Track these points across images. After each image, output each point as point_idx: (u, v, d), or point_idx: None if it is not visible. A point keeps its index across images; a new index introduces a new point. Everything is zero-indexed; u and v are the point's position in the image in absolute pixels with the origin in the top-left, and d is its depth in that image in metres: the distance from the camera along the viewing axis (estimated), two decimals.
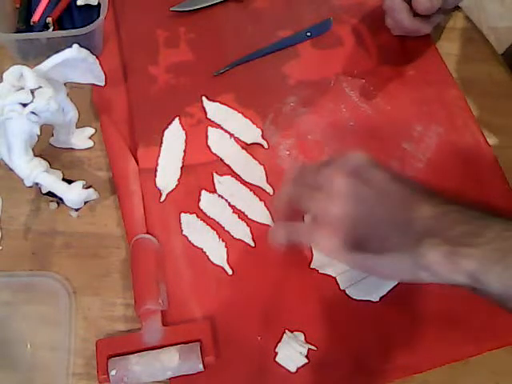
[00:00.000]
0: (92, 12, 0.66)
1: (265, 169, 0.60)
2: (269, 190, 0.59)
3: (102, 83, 0.58)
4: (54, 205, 0.58)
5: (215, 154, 0.61)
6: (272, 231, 0.52)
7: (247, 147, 0.61)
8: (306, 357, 0.51)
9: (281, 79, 0.66)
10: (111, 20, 0.70)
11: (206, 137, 0.62)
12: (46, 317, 0.53)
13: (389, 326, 0.52)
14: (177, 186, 0.59)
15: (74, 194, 0.53)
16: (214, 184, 0.59)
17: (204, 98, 0.64)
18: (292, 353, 0.51)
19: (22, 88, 0.51)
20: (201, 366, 0.49)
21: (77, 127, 0.60)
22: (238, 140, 0.62)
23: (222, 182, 0.59)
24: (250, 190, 0.59)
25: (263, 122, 0.63)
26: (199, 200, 0.58)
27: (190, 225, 0.57)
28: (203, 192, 0.59)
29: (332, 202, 0.44)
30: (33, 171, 0.52)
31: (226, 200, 0.58)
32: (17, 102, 0.50)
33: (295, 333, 0.52)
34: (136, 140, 0.62)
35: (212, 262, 0.55)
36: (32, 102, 0.50)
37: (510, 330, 0.52)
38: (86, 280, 0.55)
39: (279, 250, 0.55)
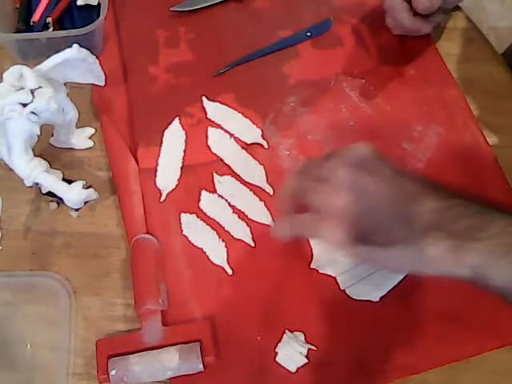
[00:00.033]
0: (92, 12, 0.66)
1: (265, 169, 0.60)
2: (269, 190, 0.59)
3: (102, 83, 0.58)
4: (53, 205, 0.58)
5: (215, 154, 0.61)
6: (275, 225, 0.52)
7: (247, 147, 0.61)
8: (306, 357, 0.51)
9: (281, 79, 0.66)
10: (111, 20, 0.70)
11: (206, 137, 0.62)
12: (45, 317, 0.53)
13: (389, 325, 0.52)
14: (177, 185, 0.59)
15: (74, 194, 0.53)
16: (214, 184, 0.59)
17: (204, 98, 0.64)
18: (292, 353, 0.51)
19: (22, 88, 0.51)
20: (201, 365, 0.49)
21: (77, 127, 0.60)
22: (237, 140, 0.62)
23: (222, 182, 0.59)
24: (250, 190, 0.59)
25: (263, 122, 0.63)
26: (199, 200, 0.58)
27: (190, 225, 0.57)
28: (203, 192, 0.59)
29: (336, 194, 0.44)
30: (33, 171, 0.52)
31: (226, 200, 0.58)
32: (17, 102, 0.50)
33: (295, 333, 0.52)
34: (136, 140, 0.62)
35: (212, 262, 0.55)
36: (32, 102, 0.50)
37: (510, 330, 0.52)
38: (86, 280, 0.55)
39: (280, 248, 0.55)
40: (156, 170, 0.60)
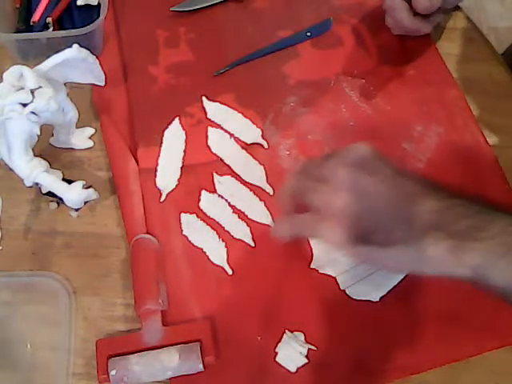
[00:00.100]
0: (92, 12, 0.66)
1: (265, 169, 0.60)
2: (269, 190, 0.59)
3: (102, 83, 0.58)
4: (53, 205, 0.58)
5: (215, 154, 0.61)
6: (275, 225, 0.51)
7: (247, 147, 0.61)
8: (306, 357, 0.51)
9: (281, 79, 0.66)
10: (111, 20, 0.70)
11: (206, 137, 0.62)
12: (46, 317, 0.53)
13: (389, 325, 0.52)
14: (177, 185, 0.59)
15: (74, 193, 0.53)
16: (214, 184, 0.59)
17: (204, 98, 0.64)
18: (292, 353, 0.51)
19: (22, 88, 0.51)
20: (201, 365, 0.49)
21: (77, 127, 0.60)
22: (238, 140, 0.62)
23: (222, 182, 0.59)
24: (250, 190, 0.59)
25: (263, 122, 0.63)
26: (199, 200, 0.58)
27: (190, 225, 0.57)
28: (203, 192, 0.59)
29: (336, 194, 0.44)
30: (33, 171, 0.52)
31: (226, 200, 0.58)
32: (17, 102, 0.50)
33: (295, 333, 0.52)
34: (136, 140, 0.62)
35: (212, 262, 0.55)
36: (32, 102, 0.50)
37: (510, 330, 0.52)
38: (85, 280, 0.55)
39: (280, 248, 0.55)
40: (156, 170, 0.60)
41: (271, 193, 0.59)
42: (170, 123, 0.63)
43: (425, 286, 0.54)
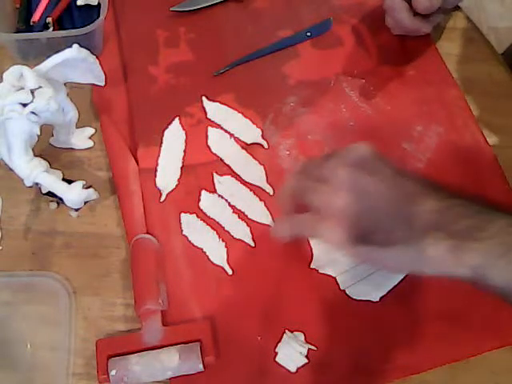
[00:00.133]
0: (92, 12, 0.66)
1: (265, 169, 0.60)
2: (269, 190, 0.59)
3: (102, 83, 0.58)
4: (53, 205, 0.58)
5: (215, 154, 0.61)
6: (275, 225, 0.51)
7: (247, 147, 0.61)
8: (306, 357, 0.51)
9: (281, 79, 0.66)
10: (111, 20, 0.70)
11: (206, 137, 0.62)
12: (46, 317, 0.53)
13: (389, 325, 0.52)
14: (177, 185, 0.59)
15: (74, 193, 0.53)
16: (214, 184, 0.59)
17: (204, 98, 0.64)
18: (292, 353, 0.51)
19: (22, 88, 0.51)
20: (201, 365, 0.49)
21: (77, 127, 0.60)
22: (238, 140, 0.62)
23: (222, 182, 0.59)
24: (250, 190, 0.59)
25: (263, 122, 0.63)
26: (199, 200, 0.58)
27: (190, 225, 0.57)
28: (203, 192, 0.59)
29: (336, 194, 0.44)
30: (33, 171, 0.52)
31: (226, 200, 0.58)
32: (17, 102, 0.50)
33: (295, 333, 0.52)
34: (136, 140, 0.62)
35: (212, 262, 0.55)
36: (32, 102, 0.50)
37: (510, 330, 0.52)
38: (86, 280, 0.55)
39: (280, 248, 0.55)
40: (156, 170, 0.60)
41: (271, 193, 0.59)
42: (170, 123, 0.63)
43: (425, 285, 0.54)
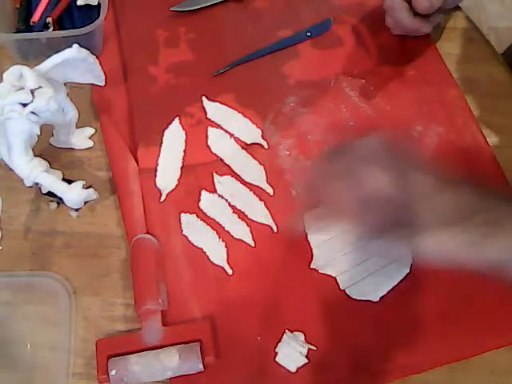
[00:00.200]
0: (92, 12, 0.66)
1: (265, 169, 0.60)
2: (269, 190, 0.59)
3: (102, 83, 0.58)
4: (53, 205, 0.58)
5: (215, 154, 0.61)
6: (289, 220, 0.51)
7: (247, 147, 0.61)
8: (306, 357, 0.51)
9: (281, 79, 0.66)
10: (111, 20, 0.70)
11: (206, 137, 0.62)
12: (46, 317, 0.53)
13: (389, 325, 0.52)
14: (177, 185, 0.59)
15: (74, 193, 0.53)
16: (214, 184, 0.59)
17: (204, 98, 0.64)
18: (292, 353, 0.51)
19: (22, 88, 0.51)
20: (201, 365, 0.49)
21: (77, 127, 0.60)
22: (237, 140, 0.62)
23: (222, 182, 0.59)
24: (250, 190, 0.59)
25: (263, 122, 0.63)
26: (199, 200, 0.58)
27: (190, 225, 0.57)
28: (203, 192, 0.59)
29: (350, 189, 0.44)
30: (33, 171, 0.52)
31: (226, 200, 0.58)
32: (17, 102, 0.50)
33: (295, 333, 0.52)
34: (136, 140, 0.62)
35: (212, 262, 0.55)
36: (32, 102, 0.50)
37: (510, 330, 0.52)
38: (86, 280, 0.55)
39: (280, 247, 0.55)
40: (156, 170, 0.60)
41: (271, 193, 0.59)
42: (170, 123, 0.63)
43: (425, 286, 0.54)
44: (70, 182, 0.54)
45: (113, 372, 0.49)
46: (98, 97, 0.64)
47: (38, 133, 0.53)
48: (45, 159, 0.53)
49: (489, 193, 0.42)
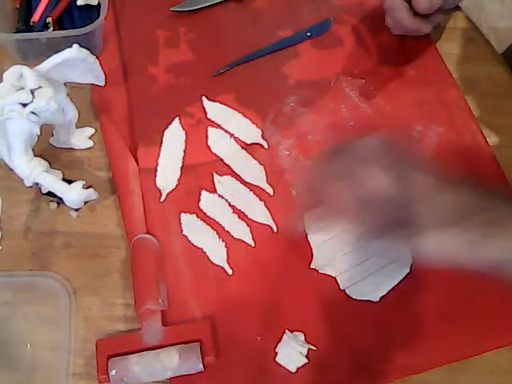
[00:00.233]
0: (92, 12, 0.66)
1: (265, 169, 0.60)
2: (269, 190, 0.59)
3: (102, 83, 0.58)
4: (53, 205, 0.58)
5: (215, 154, 0.61)
6: (289, 220, 0.51)
7: (247, 147, 0.61)
8: (306, 357, 0.51)
9: (281, 79, 0.66)
10: (111, 20, 0.70)
11: (206, 137, 0.62)
12: (46, 317, 0.53)
13: (389, 325, 0.52)
14: (177, 185, 0.59)
15: (74, 193, 0.53)
16: (214, 184, 0.59)
17: (204, 98, 0.64)
18: (292, 353, 0.51)
19: (22, 88, 0.51)
20: (201, 365, 0.49)
21: (77, 127, 0.60)
22: (237, 140, 0.62)
23: (222, 182, 0.59)
24: (250, 190, 0.59)
25: (263, 122, 0.63)
26: (199, 200, 0.58)
27: (190, 225, 0.57)
28: (203, 192, 0.59)
29: (350, 189, 0.44)
30: (33, 171, 0.52)
31: (226, 200, 0.58)
32: (17, 102, 0.50)
33: (295, 333, 0.52)
34: (136, 140, 0.62)
35: (212, 262, 0.55)
36: (32, 102, 0.50)
37: (510, 330, 0.52)
38: (86, 280, 0.55)
39: (280, 247, 0.55)
40: (156, 170, 0.60)
41: (271, 193, 0.59)
42: (170, 123, 0.63)
43: (425, 286, 0.54)
44: (70, 182, 0.54)
45: (113, 372, 0.49)
46: (98, 97, 0.64)
47: (38, 133, 0.53)
48: (45, 159, 0.53)
49: (489, 193, 0.42)
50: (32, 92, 0.50)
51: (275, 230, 0.57)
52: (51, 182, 0.53)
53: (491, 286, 0.52)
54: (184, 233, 0.57)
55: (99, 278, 0.55)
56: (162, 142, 0.62)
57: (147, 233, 0.56)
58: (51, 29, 0.66)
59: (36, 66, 0.52)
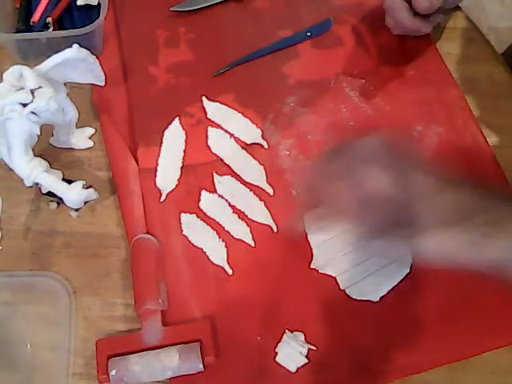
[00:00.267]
0: (92, 12, 0.66)
1: (265, 169, 0.60)
2: (269, 190, 0.59)
3: (102, 83, 0.58)
4: (53, 205, 0.58)
5: (215, 154, 0.61)
6: (289, 220, 0.51)
7: (247, 147, 0.61)
8: (306, 357, 0.51)
9: (281, 79, 0.66)
10: (111, 20, 0.70)
11: (206, 137, 0.62)
12: (46, 317, 0.53)
13: (389, 325, 0.52)
14: (177, 185, 0.59)
15: (74, 193, 0.53)
16: (214, 184, 0.59)
17: (204, 98, 0.64)
18: (292, 353, 0.51)
19: (22, 88, 0.51)
20: (201, 365, 0.49)
21: (77, 127, 0.60)
22: (237, 140, 0.62)
23: (222, 182, 0.59)
24: (250, 190, 0.59)
25: (263, 122, 0.63)
26: (199, 200, 0.58)
27: (190, 225, 0.57)
28: (203, 192, 0.59)
29: (350, 189, 0.44)
30: (33, 171, 0.52)
31: (226, 200, 0.58)
32: (17, 102, 0.50)
33: (295, 333, 0.52)
34: (136, 140, 0.62)
35: (212, 262, 0.55)
36: (32, 102, 0.50)
37: (510, 330, 0.52)
38: (86, 280, 0.55)
39: (280, 247, 0.55)
40: (156, 170, 0.60)
41: (271, 193, 0.59)
42: (170, 123, 0.63)
43: (425, 286, 0.54)
44: (70, 182, 0.54)
45: (113, 372, 0.49)
46: (98, 97, 0.64)
47: (38, 133, 0.53)
48: (45, 159, 0.53)
49: (489, 193, 0.42)
50: (32, 92, 0.50)
51: (275, 229, 0.57)
52: (51, 181, 0.53)
53: (491, 285, 0.52)
54: (184, 233, 0.57)
55: (99, 278, 0.55)
56: (161, 142, 0.62)
57: (147, 233, 0.56)
58: (51, 29, 0.66)
59: (36, 66, 0.52)
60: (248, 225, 0.57)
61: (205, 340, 0.50)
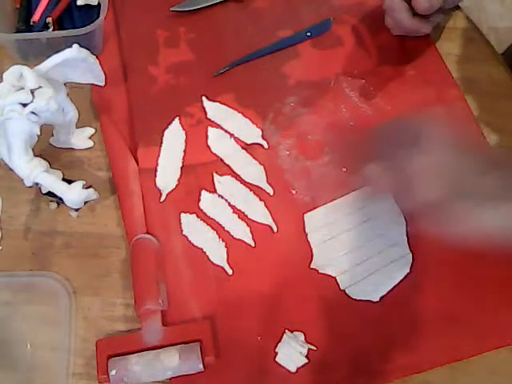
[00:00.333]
0: (92, 12, 0.67)
1: (265, 169, 0.60)
2: (269, 190, 0.59)
3: (102, 83, 0.58)
4: (53, 205, 0.58)
5: (215, 154, 0.61)
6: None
7: (247, 147, 0.61)
8: (306, 357, 0.51)
9: (281, 79, 0.66)
10: (111, 20, 0.70)
11: (206, 137, 0.62)
12: (46, 317, 0.53)
13: (389, 326, 0.52)
14: (177, 185, 0.59)
15: (74, 193, 0.53)
16: (214, 184, 0.59)
17: (204, 98, 0.64)
18: (292, 353, 0.51)
19: (22, 88, 0.51)
20: (201, 365, 0.49)
21: (77, 127, 0.60)
22: (238, 140, 0.62)
23: (222, 182, 0.59)
24: (250, 190, 0.59)
25: (263, 122, 0.63)
26: (199, 200, 0.58)
27: (190, 225, 0.57)
28: (203, 192, 0.59)
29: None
30: (33, 171, 0.52)
31: (226, 200, 0.58)
32: (17, 102, 0.50)
33: (295, 333, 0.52)
34: (136, 140, 0.62)
35: (212, 262, 0.55)
36: (32, 102, 0.50)
37: (510, 330, 0.52)
38: (86, 280, 0.55)
39: (280, 248, 0.55)
40: (156, 170, 0.60)
41: (271, 193, 0.59)
42: (170, 123, 0.63)
43: (425, 285, 0.54)
44: (70, 182, 0.54)
45: (113, 372, 0.49)
46: (98, 97, 0.64)
47: (38, 133, 0.53)
48: (45, 159, 0.53)
49: None
50: (32, 92, 0.50)
51: (275, 230, 0.57)
52: (51, 181, 0.53)
53: (491, 285, 0.52)
54: (184, 233, 0.57)
55: (99, 278, 0.55)
56: (161, 142, 0.62)
57: (147, 233, 0.56)
58: (51, 29, 0.66)
59: (36, 66, 0.52)
60: (248, 225, 0.57)
61: (205, 340, 0.50)
